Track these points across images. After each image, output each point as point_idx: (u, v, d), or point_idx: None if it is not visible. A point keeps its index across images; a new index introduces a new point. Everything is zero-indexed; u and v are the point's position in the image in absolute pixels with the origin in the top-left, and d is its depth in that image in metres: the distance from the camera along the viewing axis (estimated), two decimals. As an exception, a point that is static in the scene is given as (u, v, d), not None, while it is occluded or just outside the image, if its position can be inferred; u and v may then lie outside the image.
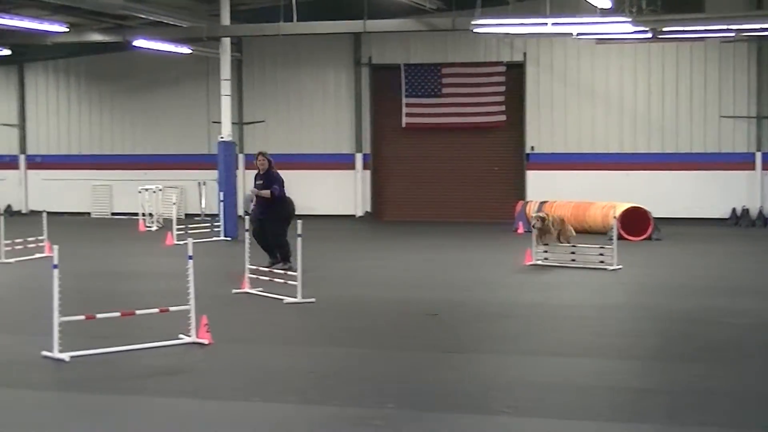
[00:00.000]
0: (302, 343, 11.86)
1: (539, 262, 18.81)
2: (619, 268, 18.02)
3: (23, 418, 8.60)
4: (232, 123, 26.26)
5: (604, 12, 21.98)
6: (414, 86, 30.54)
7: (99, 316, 11.15)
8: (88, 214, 33.08)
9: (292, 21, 23.61)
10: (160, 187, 29.06)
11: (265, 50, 31.55)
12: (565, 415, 8.43)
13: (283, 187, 18.35)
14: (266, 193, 17.98)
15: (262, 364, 10.60)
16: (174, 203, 25.77)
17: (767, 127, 28.89)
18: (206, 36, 26.54)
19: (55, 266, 10.47)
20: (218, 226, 24.63)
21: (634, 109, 29.57)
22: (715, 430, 8.05)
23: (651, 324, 13.10)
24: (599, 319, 13.44)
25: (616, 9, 21.97)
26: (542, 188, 29.15)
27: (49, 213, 21.98)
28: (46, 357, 10.54)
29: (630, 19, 21.85)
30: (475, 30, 23.53)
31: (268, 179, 18.27)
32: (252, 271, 15.41)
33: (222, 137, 25.39)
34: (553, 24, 22.57)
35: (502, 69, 30.04)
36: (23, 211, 34.08)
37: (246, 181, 31.40)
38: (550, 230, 19.82)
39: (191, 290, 11.31)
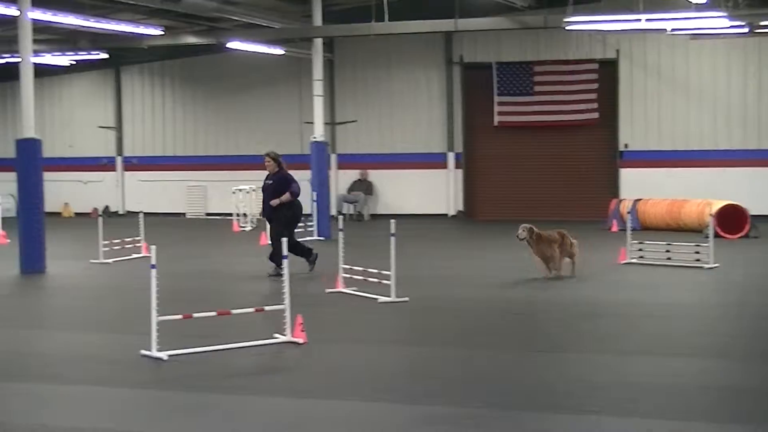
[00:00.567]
0: (396, 342, 11.88)
1: (634, 261, 18.61)
2: (716, 267, 17.75)
3: (122, 416, 8.75)
4: (324, 123, 26.42)
5: (699, 6, 21.68)
6: (506, 84, 30.41)
7: (196, 315, 11.30)
8: (183, 214, 33.51)
9: (383, 21, 23.67)
10: (254, 187, 29.29)
11: (357, 50, 31.66)
12: (660, 415, 8.32)
13: (298, 189, 18.07)
14: (286, 197, 17.73)
15: (356, 363, 10.65)
16: (268, 203, 25.94)
17: None
18: (298, 37, 26.75)
19: (153, 266, 10.64)
20: (311, 226, 24.78)
21: (729, 104, 29.09)
22: (818, 432, 7.91)
23: (748, 323, 12.90)
24: (695, 318, 13.26)
25: (712, 3, 21.65)
26: (636, 186, 28.83)
27: (145, 214, 22.30)
28: (144, 356, 10.71)
29: (726, 14, 21.50)
30: (567, 27, 23.37)
31: (280, 181, 18.02)
32: (345, 271, 15.49)
33: (314, 137, 25.57)
34: (647, 20, 22.31)
35: (595, 66, 29.77)
36: (120, 212, 34.64)
37: (339, 182, 31.58)
38: (548, 243, 16.86)
39: (286, 290, 11.40)
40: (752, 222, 23.71)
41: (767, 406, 8.60)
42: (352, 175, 32.03)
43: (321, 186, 25.53)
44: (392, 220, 14.63)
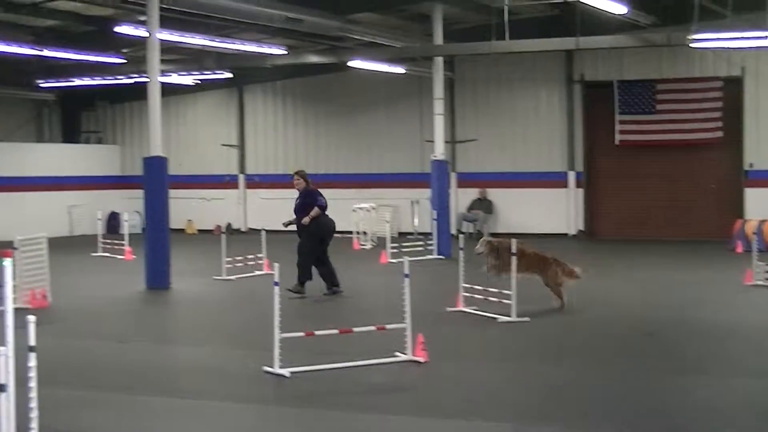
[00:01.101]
0: (517, 362, 11.81)
1: (760, 282, 18.19)
2: None
3: (240, 430, 8.86)
4: (445, 141, 26.44)
5: (829, 23, 21.16)
6: (627, 103, 30.04)
7: (318, 333, 11.38)
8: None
9: (504, 39, 23.61)
10: (374, 205, 29.48)
11: (477, 68, 31.62)
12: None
13: (322, 205, 18.27)
14: (315, 212, 18.01)
15: (477, 382, 10.62)
16: (387, 222, 26.09)
17: None
18: (420, 56, 26.84)
19: (276, 283, 10.75)
20: (431, 245, 24.81)
21: None
22: None
23: None
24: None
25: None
26: (762, 206, 28.18)
27: (266, 231, 22.57)
28: (267, 372, 10.83)
29: None
30: (691, 45, 23.00)
31: (308, 197, 18.31)
32: (466, 290, 15.46)
33: (435, 156, 25.61)
34: (774, 37, 21.85)
35: (719, 84, 29.21)
36: (242, 230, 35.09)
37: (459, 200, 31.55)
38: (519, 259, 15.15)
39: (407, 308, 11.42)
40: None
41: None
42: (472, 193, 31.95)
43: (441, 205, 25.54)
44: (513, 240, 14.56)
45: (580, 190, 31.05)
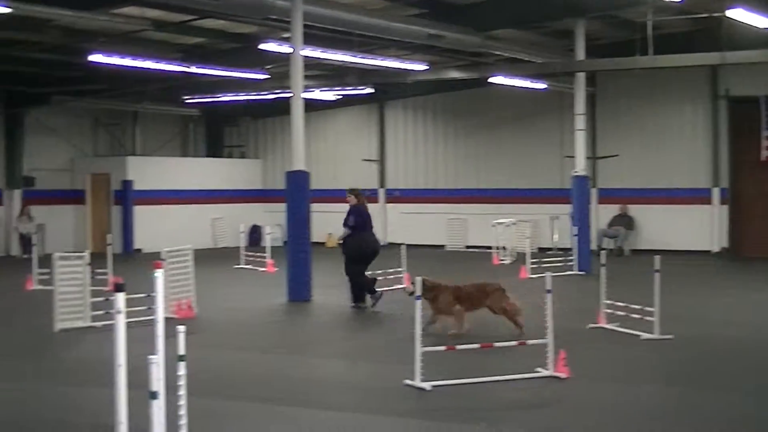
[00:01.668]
0: (659, 382, 11.60)
1: None
2: None
3: (388, 444, 8.94)
4: (586, 157, 26.21)
5: None
6: (774, 118, 29.35)
7: (459, 347, 11.39)
8: (443, 246, 33.85)
9: (647, 54, 23.30)
10: (514, 221, 29.37)
11: (620, 84, 31.27)
12: None
13: (356, 222, 18.32)
14: (343, 233, 18.41)
15: (618, 401, 10.49)
16: (527, 237, 25.97)
17: None
18: (561, 71, 26.69)
19: (418, 298, 10.80)
20: (571, 260, 24.61)
21: None
22: None
23: None
24: None
25: None
26: None
27: (406, 245, 22.65)
28: (407, 385, 10.88)
29: None
30: (843, 58, 22.37)
31: (346, 215, 18.56)
32: (608, 306, 15.29)
33: (576, 171, 25.42)
34: None
35: None
36: (382, 243, 35.26)
37: (599, 216, 31.21)
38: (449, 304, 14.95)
39: (549, 324, 11.36)
40: None
41: None
42: (613, 209, 31.57)
43: (582, 220, 25.31)
44: (656, 256, 14.35)
45: (725, 207, 30.40)
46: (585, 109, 25.89)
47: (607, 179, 31.93)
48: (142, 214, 33.11)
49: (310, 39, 20.25)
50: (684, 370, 12.37)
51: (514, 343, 11.69)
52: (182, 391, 7.48)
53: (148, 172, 33.90)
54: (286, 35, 21.25)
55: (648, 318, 14.22)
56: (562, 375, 11.21)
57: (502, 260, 27.89)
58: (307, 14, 19.15)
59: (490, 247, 29.12)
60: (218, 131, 38.79)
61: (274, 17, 19.96)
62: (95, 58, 22.95)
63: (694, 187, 30.72)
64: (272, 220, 34.33)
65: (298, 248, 19.48)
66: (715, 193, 30.41)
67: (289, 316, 18.14)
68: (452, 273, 25.20)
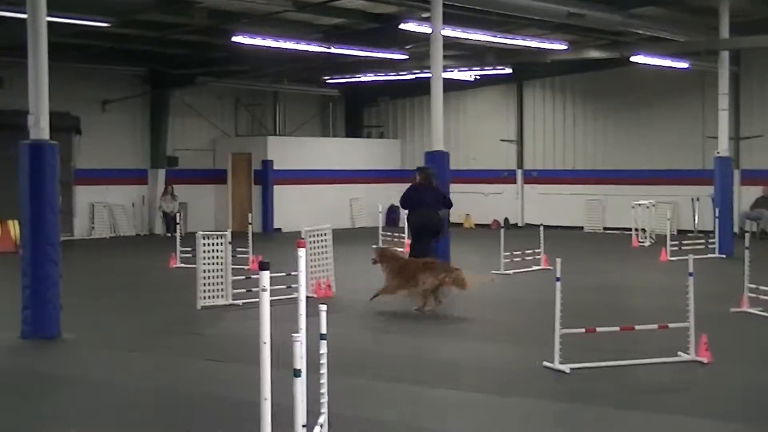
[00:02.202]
0: (806, 368, 11.35)
1: None
2: None
3: (524, 426, 8.92)
4: (729, 138, 25.61)
5: None
6: None
7: (599, 329, 11.30)
8: (581, 228, 33.53)
9: (796, 31, 22.66)
10: (653, 202, 28.91)
11: (766, 63, 30.46)
12: None
13: (405, 200, 18.75)
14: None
15: (762, 386, 10.28)
16: (668, 219, 25.57)
17: None
18: (704, 50, 26.11)
19: (558, 279, 10.74)
20: (713, 243, 24.14)
21: None
22: None
23: None
24: None
25: None
26: None
27: (544, 226, 22.52)
28: (546, 367, 10.84)
29: None
30: None
31: None
32: (751, 290, 14.97)
33: (718, 153, 24.87)
34: None
35: None
36: (519, 225, 35.14)
37: (742, 198, 30.50)
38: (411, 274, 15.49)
39: (691, 307, 11.18)
40: None
41: None
42: (756, 191, 30.81)
43: (724, 202, 24.77)
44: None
45: None
46: (728, 89, 25.28)
47: (751, 160, 31.16)
48: (281, 193, 33.58)
49: (449, 18, 20.22)
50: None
51: (654, 326, 11.51)
52: (324, 370, 7.58)
53: (288, 152, 34.34)
54: (425, 15, 21.29)
55: (794, 303, 13.90)
56: (704, 359, 11.03)
57: (641, 242, 27.51)
58: (447, -7, 19.15)
59: (628, 229, 28.75)
60: (357, 111, 39.06)
61: (415, -3, 20.03)
62: (238, 39, 23.33)
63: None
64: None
65: (436, 228, 19.44)
66: None
67: (427, 296, 18.18)
68: (591, 254, 25.04)
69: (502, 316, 15.70)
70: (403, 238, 25.88)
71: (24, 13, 13.54)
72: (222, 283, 16.12)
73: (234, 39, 23.42)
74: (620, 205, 31.68)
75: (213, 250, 16.18)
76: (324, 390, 7.66)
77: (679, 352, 11.24)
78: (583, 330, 11.09)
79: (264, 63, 29.80)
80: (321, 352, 7.54)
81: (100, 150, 31.63)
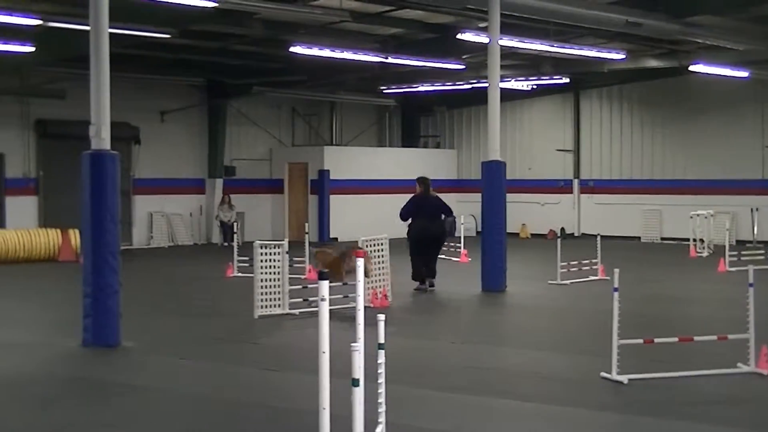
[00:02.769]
0: None
1: None
2: None
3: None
4: (790, 148, 25.32)
5: None
6: None
7: (657, 340, 11.22)
8: (638, 238, 33.32)
9: None
10: (712, 212, 28.66)
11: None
12: None
13: (406, 210, 19.63)
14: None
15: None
16: (726, 229, 25.33)
17: None
18: (765, 59, 25.85)
19: (616, 289, 10.69)
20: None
21: None
22: None
23: None
24: None
25: None
26: None
27: (601, 236, 22.39)
28: (604, 378, 10.79)
29: None
30: None
31: None
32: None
33: (778, 162, 24.60)
34: None
35: None
36: (575, 234, 35.00)
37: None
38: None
39: (751, 318, 11.07)
40: None
41: None
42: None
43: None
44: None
45: None
46: (790, 98, 25.03)
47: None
48: (337, 203, 33.69)
49: (506, 28, 20.19)
50: None
51: (714, 337, 11.42)
52: (381, 379, 7.60)
53: (344, 161, 34.47)
54: (483, 25, 21.28)
55: None
56: (764, 371, 10.92)
57: (699, 253, 27.27)
58: (504, 3, 19.10)
59: (686, 240, 28.52)
60: (414, 121, 39.10)
61: (472, 6, 20.00)
62: (295, 49, 23.45)
63: None
64: (466, 210, 34.42)
65: (493, 238, 19.46)
66: None
67: (483, 306, 18.19)
68: (648, 264, 24.87)
69: (560, 326, 15.64)
70: (459, 247, 25.89)
71: (86, 24, 13.73)
72: (279, 293, 16.19)
73: (291, 49, 23.55)
74: (678, 215, 31.45)
75: (270, 260, 16.26)
76: (382, 399, 7.68)
77: (739, 364, 11.14)
78: (641, 341, 11.03)
79: (321, 73, 29.93)
80: (379, 361, 7.56)
81: (158, 160, 31.95)
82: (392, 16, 23.34)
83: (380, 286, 17.18)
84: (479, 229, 22.71)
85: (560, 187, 35.79)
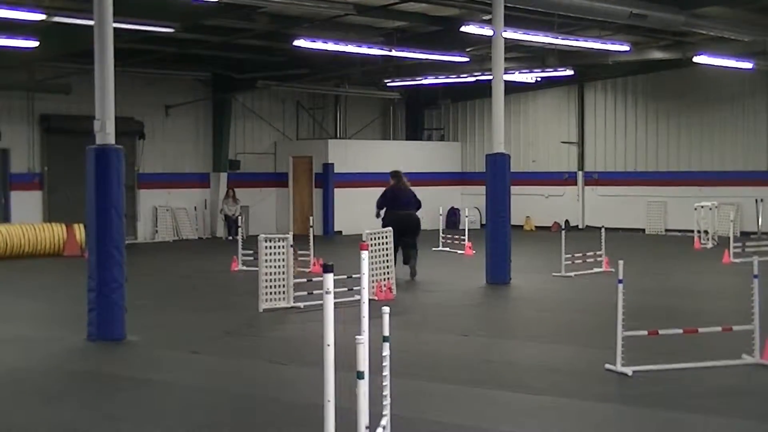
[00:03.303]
0: None
1: None
2: None
3: (588, 429, 8.88)
4: (794, 139, 25.31)
5: None
6: None
7: (661, 332, 11.23)
8: (642, 230, 33.31)
9: None
10: (716, 204, 28.63)
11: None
12: None
13: (383, 200, 20.82)
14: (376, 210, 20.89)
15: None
16: (731, 221, 25.32)
17: None
18: (769, 50, 25.87)
19: (620, 281, 10.69)
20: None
21: None
22: None
23: None
24: None
25: None
26: None
27: (605, 228, 22.39)
28: (608, 370, 10.80)
29: None
30: None
31: None
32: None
33: (783, 153, 24.60)
34: None
35: None
36: (580, 227, 34.98)
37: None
38: None
39: (756, 309, 11.08)
40: None
41: None
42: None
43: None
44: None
45: None
46: (794, 89, 25.00)
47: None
48: (342, 196, 33.69)
49: (510, 20, 20.18)
50: None
51: (718, 328, 11.42)
52: (386, 372, 7.61)
53: (349, 155, 34.46)
54: (487, 17, 21.26)
55: None
56: (770, 363, 10.95)
57: (703, 244, 27.24)
58: (508, -4, 19.11)
59: (690, 231, 28.51)
60: (418, 114, 39.07)
61: (476, -1, 20.00)
62: (300, 43, 23.46)
63: None
64: (470, 203, 34.48)
65: (498, 231, 19.47)
66: None
67: (487, 298, 18.20)
68: (652, 256, 24.87)
69: (564, 318, 15.65)
70: (463, 240, 25.91)
71: (91, 19, 13.74)
72: (283, 286, 16.21)
73: (295, 43, 23.56)
74: (682, 206, 31.41)
75: (274, 253, 16.28)
76: (387, 392, 7.69)
77: (744, 355, 11.14)
78: (645, 332, 11.04)
79: (325, 66, 29.94)
80: (384, 354, 7.57)
81: (163, 154, 31.97)
82: (396, 8, 23.32)
83: (384, 279, 17.19)
84: (484, 222, 22.69)
85: (564, 179, 35.76)
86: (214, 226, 33.19)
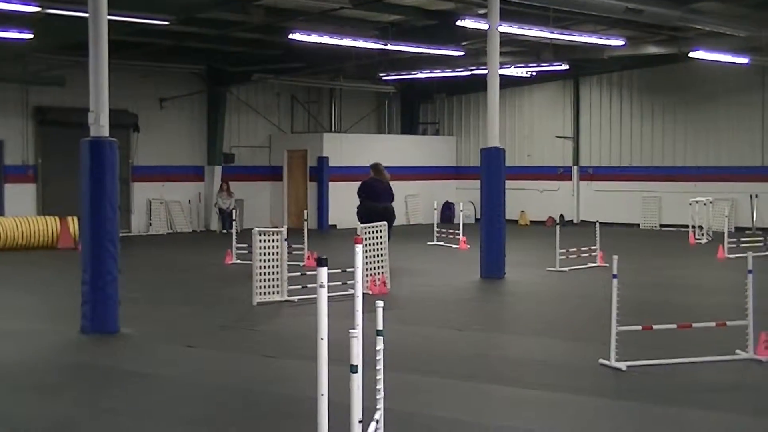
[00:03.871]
0: None
1: None
2: None
3: (581, 423, 8.88)
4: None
5: None
6: None
7: (655, 327, 11.23)
8: (637, 225, 33.32)
9: None
10: (711, 199, 28.65)
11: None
12: None
13: (364, 191, 21.86)
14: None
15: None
16: (726, 216, 25.33)
17: None
18: (765, 45, 25.81)
19: (615, 276, 10.69)
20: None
21: None
22: None
23: None
24: None
25: None
26: None
27: (600, 223, 22.38)
28: (602, 365, 10.80)
29: None
30: None
31: None
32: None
33: (778, 149, 24.59)
34: None
35: None
36: (574, 221, 35.00)
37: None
38: None
39: (749, 305, 11.08)
40: None
41: None
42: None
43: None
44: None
45: None
46: (790, 85, 25.00)
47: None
48: (337, 190, 33.64)
49: (505, 15, 20.16)
50: None
51: (712, 324, 11.42)
52: (380, 366, 7.60)
53: (344, 148, 34.43)
54: (482, 11, 21.25)
55: None
56: (763, 358, 10.93)
57: (698, 240, 27.26)
58: (504, -10, 19.09)
59: (685, 226, 28.52)
60: (413, 108, 39.04)
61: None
62: (295, 36, 23.43)
63: None
64: (465, 197, 34.48)
65: (492, 225, 19.46)
66: None
67: (482, 293, 18.20)
68: (647, 251, 24.88)
69: (558, 313, 15.66)
70: (458, 234, 25.90)
71: (85, 12, 13.70)
72: (277, 280, 16.20)
73: (290, 36, 23.53)
74: (677, 201, 31.44)
75: (268, 247, 16.26)
76: (380, 386, 7.68)
77: (737, 350, 11.15)
78: (639, 327, 11.05)
79: (320, 60, 29.89)
80: (377, 348, 7.56)
81: (157, 147, 31.91)
82: (392, 2, 23.32)
83: (379, 273, 17.18)
84: (478, 216, 22.67)
85: (559, 174, 35.77)
86: (208, 219, 33.16)
